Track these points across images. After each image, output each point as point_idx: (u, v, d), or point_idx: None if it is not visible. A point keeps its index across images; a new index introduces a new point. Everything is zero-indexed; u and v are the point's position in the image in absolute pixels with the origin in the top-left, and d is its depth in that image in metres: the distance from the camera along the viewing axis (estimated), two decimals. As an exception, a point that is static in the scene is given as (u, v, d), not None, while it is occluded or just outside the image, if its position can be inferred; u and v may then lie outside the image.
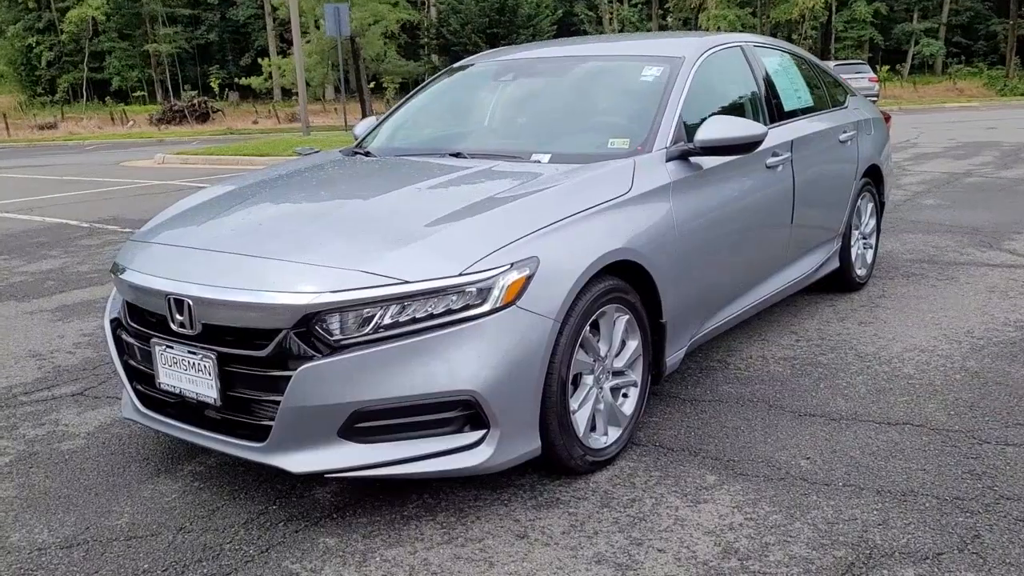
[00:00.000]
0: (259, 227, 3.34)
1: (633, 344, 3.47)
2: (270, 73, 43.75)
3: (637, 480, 3.27)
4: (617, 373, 3.45)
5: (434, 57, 47.88)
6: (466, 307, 2.86)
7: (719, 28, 43.32)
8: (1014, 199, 9.37)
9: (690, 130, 3.90)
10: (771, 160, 4.39)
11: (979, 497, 3.03)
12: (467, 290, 2.86)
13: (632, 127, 3.89)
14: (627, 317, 3.41)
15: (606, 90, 4.30)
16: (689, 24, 51.31)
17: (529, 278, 2.95)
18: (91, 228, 9.85)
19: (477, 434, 2.92)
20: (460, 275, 2.86)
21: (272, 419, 2.89)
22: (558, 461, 3.19)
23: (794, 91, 5.00)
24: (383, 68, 42.96)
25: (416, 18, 46.39)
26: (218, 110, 41.39)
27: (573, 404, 3.19)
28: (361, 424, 2.87)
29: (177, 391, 3.12)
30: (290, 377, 2.81)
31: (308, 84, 31.74)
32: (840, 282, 5.57)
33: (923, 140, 17.35)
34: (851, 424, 3.70)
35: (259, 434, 2.95)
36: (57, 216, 10.87)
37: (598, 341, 3.30)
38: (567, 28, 51.73)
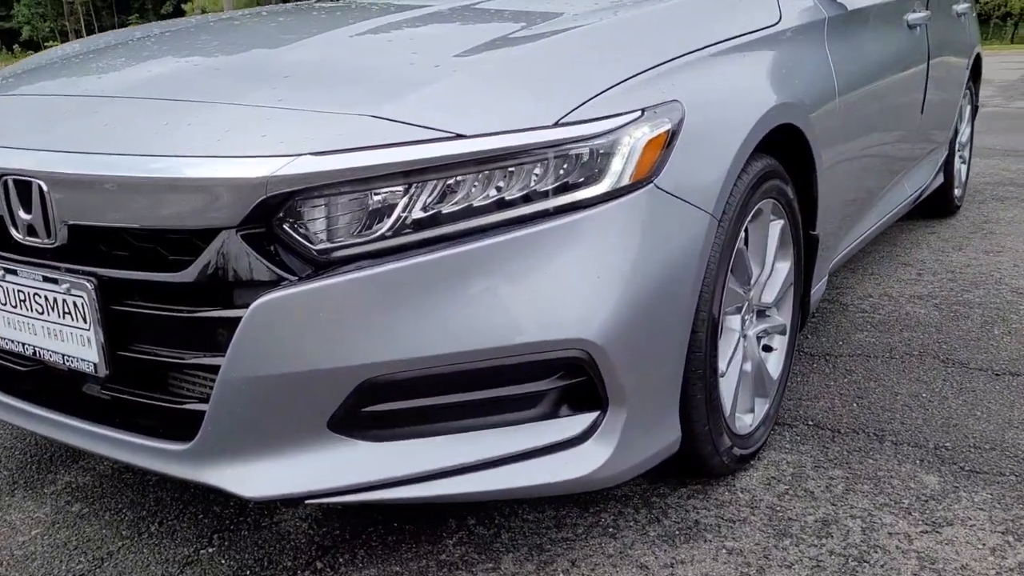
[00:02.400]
0: (177, 63, 1.93)
1: (784, 267, 2.19)
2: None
3: (812, 485, 2.00)
4: (760, 313, 2.16)
5: None
6: (564, 187, 1.53)
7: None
8: (1049, 127, 8.32)
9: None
10: (912, 17, 3.12)
11: None
12: (571, 153, 1.52)
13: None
14: (781, 223, 2.12)
15: None
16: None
17: (672, 137, 1.63)
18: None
19: (584, 420, 1.60)
20: (557, 125, 1.52)
21: (204, 400, 1.54)
22: (696, 459, 1.90)
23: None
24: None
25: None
26: (138, 59, 38.77)
27: (720, 363, 1.89)
28: (373, 408, 1.53)
29: (30, 351, 1.73)
30: (237, 321, 1.46)
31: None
32: (938, 203, 4.35)
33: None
34: (1083, 386, 2.48)
35: (180, 427, 1.58)
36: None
37: (748, 258, 2.00)
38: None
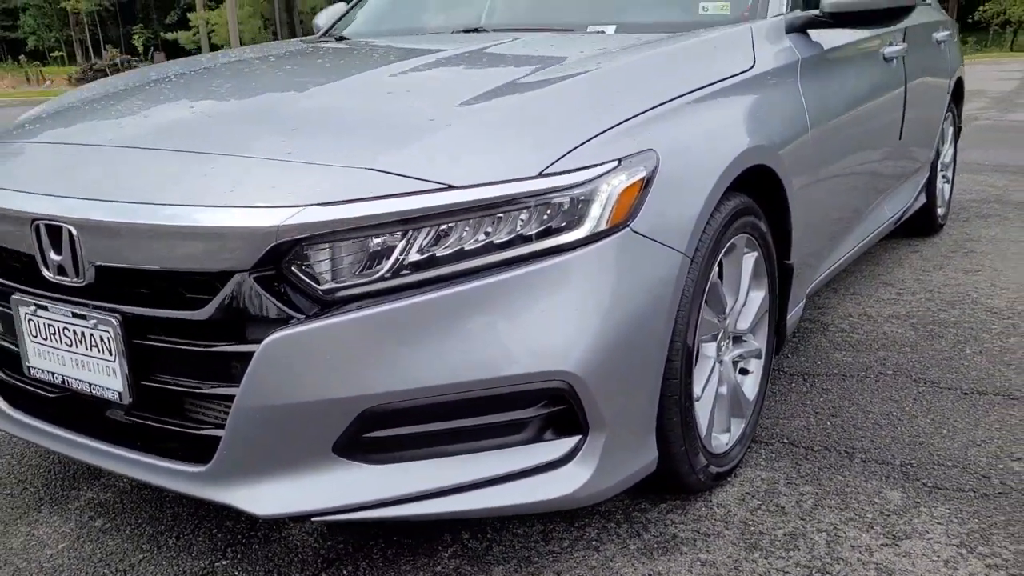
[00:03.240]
0: (192, 113, 2.08)
1: (758, 296, 2.34)
2: (198, 28, 41.40)
3: (783, 501, 2.15)
4: (737, 339, 2.31)
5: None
6: (547, 231, 1.68)
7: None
8: (1039, 140, 8.47)
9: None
10: (888, 50, 3.27)
11: None
12: (554, 202, 1.67)
13: (731, -13, 2.72)
14: (755, 255, 2.27)
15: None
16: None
17: (646, 184, 1.78)
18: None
19: (566, 444, 1.75)
20: (541, 175, 1.67)
21: (220, 426, 1.69)
22: (674, 477, 2.05)
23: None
24: (318, 24, 40.95)
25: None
26: (143, 69, 38.90)
27: (695, 388, 2.04)
28: (374, 434, 1.68)
29: (59, 379, 1.89)
30: (250, 355, 1.61)
31: (240, 41, 29.80)
32: (921, 223, 4.50)
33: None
34: (1046, 405, 2.62)
35: (198, 451, 1.74)
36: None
37: (723, 290, 2.15)
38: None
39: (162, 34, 47.97)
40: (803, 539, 1.98)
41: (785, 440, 2.45)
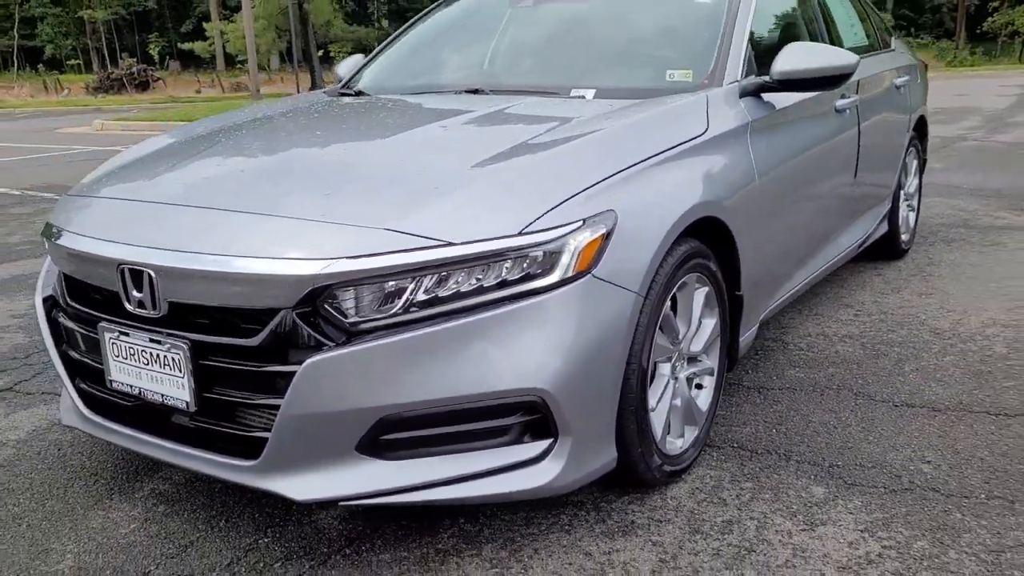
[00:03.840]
0: (242, 175, 2.55)
1: (710, 323, 2.78)
2: (214, 38, 42.10)
3: (726, 494, 2.59)
4: (692, 359, 2.76)
5: (384, 22, 46.58)
6: (526, 277, 2.13)
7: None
8: (1022, 162, 8.88)
9: (758, 62, 3.23)
10: (840, 103, 3.72)
11: None
12: (531, 254, 2.13)
13: (694, 56, 3.18)
14: (706, 290, 2.72)
15: (655, 13, 3.56)
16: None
17: (606, 238, 2.24)
18: (22, 196, 8.87)
19: (540, 445, 2.21)
20: (520, 234, 2.13)
21: (267, 430, 2.15)
22: (633, 474, 2.49)
23: (850, 25, 4.34)
24: (332, 35, 41.59)
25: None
26: (159, 79, 39.63)
27: (651, 400, 2.49)
28: (388, 436, 2.14)
29: (135, 391, 2.35)
30: (292, 374, 2.07)
31: (256, 52, 30.39)
32: (886, 248, 4.94)
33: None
34: (962, 416, 3.06)
35: (249, 449, 2.20)
36: (-16, 184, 9.84)
37: (676, 320, 2.60)
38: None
39: (178, 43, 48.80)
40: (737, 525, 2.43)
41: (735, 445, 2.90)
